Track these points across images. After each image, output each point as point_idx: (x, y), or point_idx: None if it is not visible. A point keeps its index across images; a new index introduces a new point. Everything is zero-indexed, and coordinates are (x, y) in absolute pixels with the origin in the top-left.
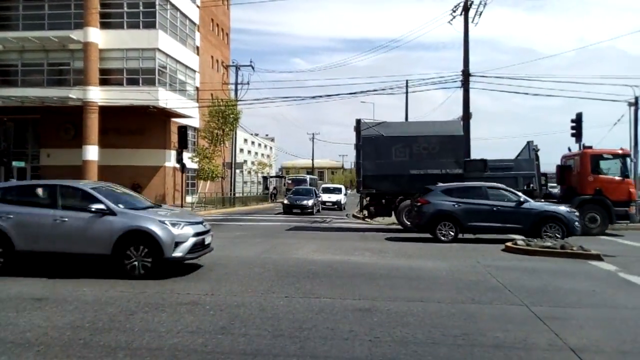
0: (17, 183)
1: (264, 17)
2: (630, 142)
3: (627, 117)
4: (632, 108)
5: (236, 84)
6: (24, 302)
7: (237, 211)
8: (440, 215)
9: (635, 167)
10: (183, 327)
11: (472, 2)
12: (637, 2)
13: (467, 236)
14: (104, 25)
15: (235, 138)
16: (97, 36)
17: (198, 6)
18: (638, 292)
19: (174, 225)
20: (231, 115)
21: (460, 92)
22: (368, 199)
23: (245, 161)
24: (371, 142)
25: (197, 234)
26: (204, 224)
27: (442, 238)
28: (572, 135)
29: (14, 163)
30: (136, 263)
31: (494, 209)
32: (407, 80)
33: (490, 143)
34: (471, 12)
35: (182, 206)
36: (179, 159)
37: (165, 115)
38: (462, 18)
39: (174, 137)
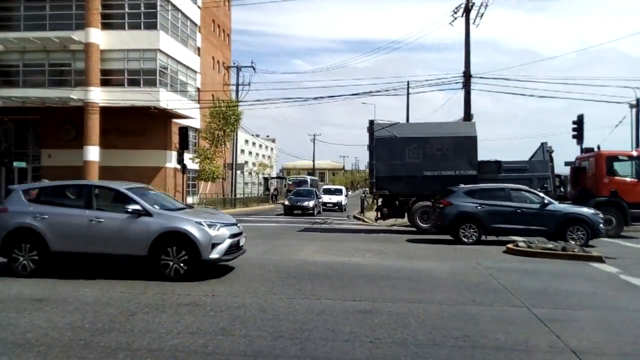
0: (51, 183)
1: (265, 18)
2: (632, 144)
3: (628, 118)
4: (634, 110)
5: (237, 84)
6: (25, 303)
7: (237, 212)
8: (463, 217)
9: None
10: (183, 328)
11: (474, 3)
12: (638, 4)
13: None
14: (105, 26)
15: (236, 139)
16: (98, 37)
17: (199, 7)
18: (639, 294)
19: (210, 226)
20: (232, 116)
21: (461, 94)
22: (381, 200)
23: (246, 162)
24: (384, 143)
25: (232, 236)
26: (238, 225)
27: (465, 240)
28: (574, 137)
29: (15, 164)
30: (173, 265)
31: (518, 210)
32: (408, 82)
33: (495, 144)
34: (472, 14)
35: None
36: (180, 160)
37: (166, 116)
38: (463, 19)
39: (175, 138)
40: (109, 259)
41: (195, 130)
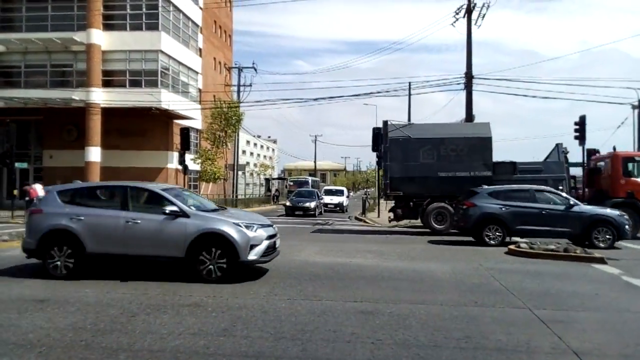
0: (85, 184)
1: (266, 19)
2: (634, 145)
3: (630, 119)
4: (636, 110)
5: (238, 85)
6: (26, 304)
7: None
8: (487, 219)
9: None
10: (185, 329)
11: (475, 4)
12: None
13: (468, 238)
14: (107, 27)
15: (238, 140)
16: (100, 38)
17: (201, 8)
18: None
19: (248, 227)
20: (233, 117)
21: (462, 95)
22: (394, 201)
23: (248, 163)
24: (398, 144)
25: (269, 237)
26: (273, 226)
27: (489, 242)
28: (576, 137)
29: (17, 164)
30: (211, 266)
31: (543, 212)
32: (409, 83)
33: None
34: (474, 15)
35: None
36: (181, 161)
37: (167, 116)
38: (465, 20)
39: (177, 139)
40: (145, 261)
41: (197, 131)
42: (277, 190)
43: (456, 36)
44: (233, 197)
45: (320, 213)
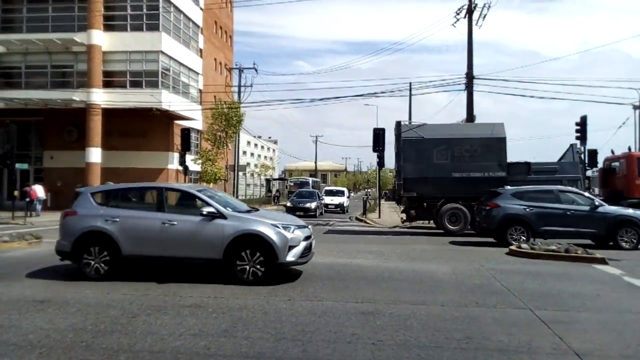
0: (119, 186)
1: (267, 19)
2: (635, 145)
3: (632, 119)
4: (637, 111)
5: (239, 86)
6: (27, 304)
7: None
8: (510, 220)
9: None
10: (185, 330)
11: (476, 4)
12: None
13: (469, 238)
14: (108, 28)
15: (238, 140)
16: (101, 38)
17: (201, 9)
18: None
19: (286, 228)
20: (234, 118)
21: (463, 95)
22: (408, 202)
23: (248, 164)
24: (412, 144)
25: (306, 238)
26: (309, 227)
27: (513, 243)
28: (577, 138)
29: (17, 165)
30: (248, 268)
31: (568, 213)
32: (410, 83)
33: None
34: (475, 15)
35: None
36: (182, 162)
37: (168, 117)
38: (465, 21)
39: (177, 140)
40: (181, 263)
41: (197, 131)
42: (277, 190)
43: (457, 36)
44: (234, 197)
45: (321, 214)
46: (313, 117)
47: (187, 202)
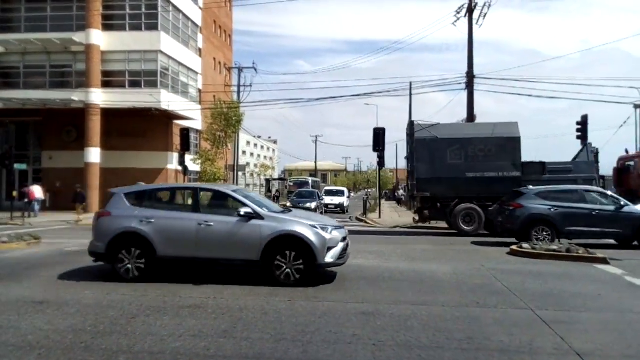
0: (152, 186)
1: (266, 19)
2: (636, 144)
3: (633, 119)
4: (638, 110)
5: (239, 85)
6: (26, 305)
7: None
8: (535, 220)
9: None
10: (185, 331)
11: (477, 3)
12: None
13: (469, 238)
14: (106, 27)
15: (238, 140)
16: (100, 38)
17: (200, 8)
18: None
19: (324, 229)
20: (234, 118)
21: (464, 95)
22: (421, 202)
23: (248, 164)
24: (425, 144)
25: (343, 239)
26: (344, 228)
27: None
28: (578, 137)
29: (16, 165)
30: (287, 270)
31: (593, 213)
32: (410, 82)
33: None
34: (475, 14)
35: None
36: (182, 162)
37: (167, 117)
38: (466, 20)
39: (176, 140)
40: (218, 264)
41: (197, 131)
42: (277, 190)
43: (457, 36)
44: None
45: (321, 213)
46: (313, 117)
47: (222, 203)
